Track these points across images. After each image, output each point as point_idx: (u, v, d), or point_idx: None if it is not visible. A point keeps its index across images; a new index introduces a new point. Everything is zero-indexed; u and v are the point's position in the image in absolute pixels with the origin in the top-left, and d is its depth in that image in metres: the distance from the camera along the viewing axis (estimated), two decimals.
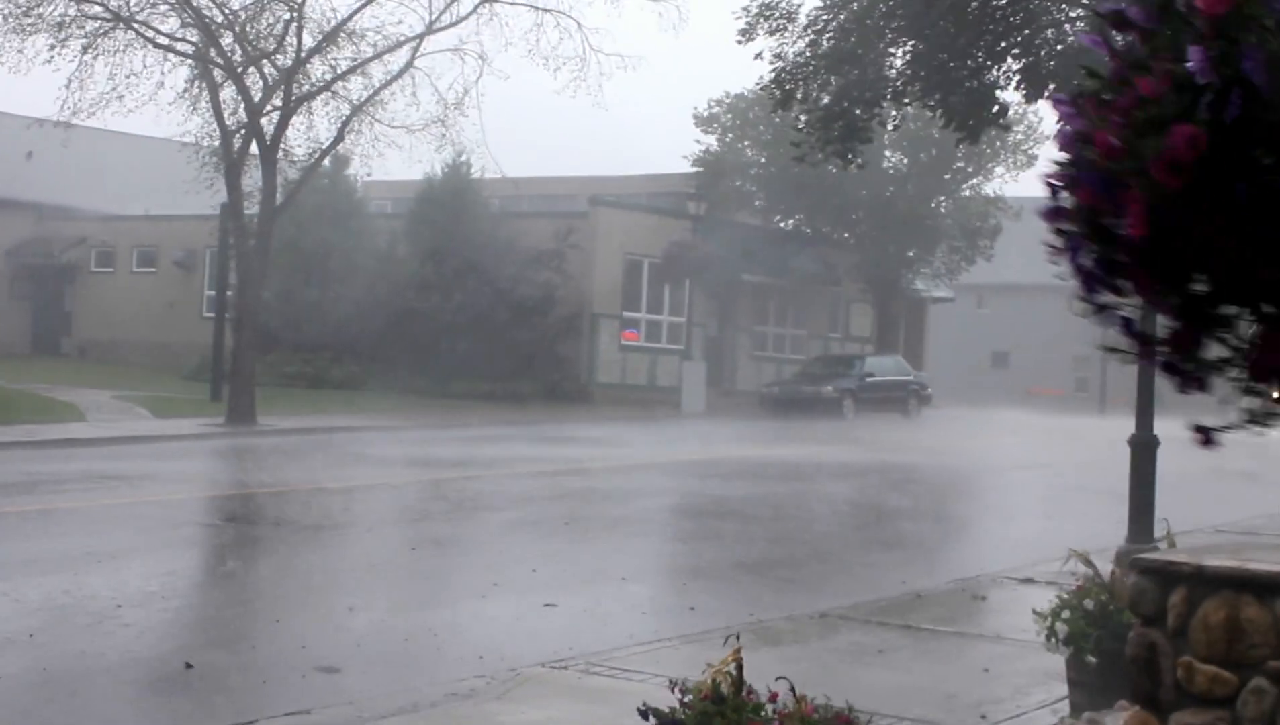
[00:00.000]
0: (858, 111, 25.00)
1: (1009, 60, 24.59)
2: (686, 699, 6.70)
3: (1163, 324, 3.25)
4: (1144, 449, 14.55)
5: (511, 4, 39.45)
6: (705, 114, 59.04)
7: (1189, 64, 2.88)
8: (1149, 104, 2.96)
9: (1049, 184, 3.33)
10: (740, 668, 6.70)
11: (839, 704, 6.83)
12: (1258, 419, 3.27)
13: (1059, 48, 23.86)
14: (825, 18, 25.22)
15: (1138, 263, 3.10)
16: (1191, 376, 3.30)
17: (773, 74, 25.80)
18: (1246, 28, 2.83)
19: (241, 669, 11.11)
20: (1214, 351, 3.27)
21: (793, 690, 6.72)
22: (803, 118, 25.99)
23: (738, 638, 7.17)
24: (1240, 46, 2.83)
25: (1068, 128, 3.24)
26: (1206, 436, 3.37)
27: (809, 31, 25.54)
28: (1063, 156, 3.27)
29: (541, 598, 13.69)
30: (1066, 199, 3.25)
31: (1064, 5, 24.17)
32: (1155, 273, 3.11)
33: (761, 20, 26.35)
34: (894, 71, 25.14)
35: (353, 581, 15.09)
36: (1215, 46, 2.85)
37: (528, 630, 12.30)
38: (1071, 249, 3.23)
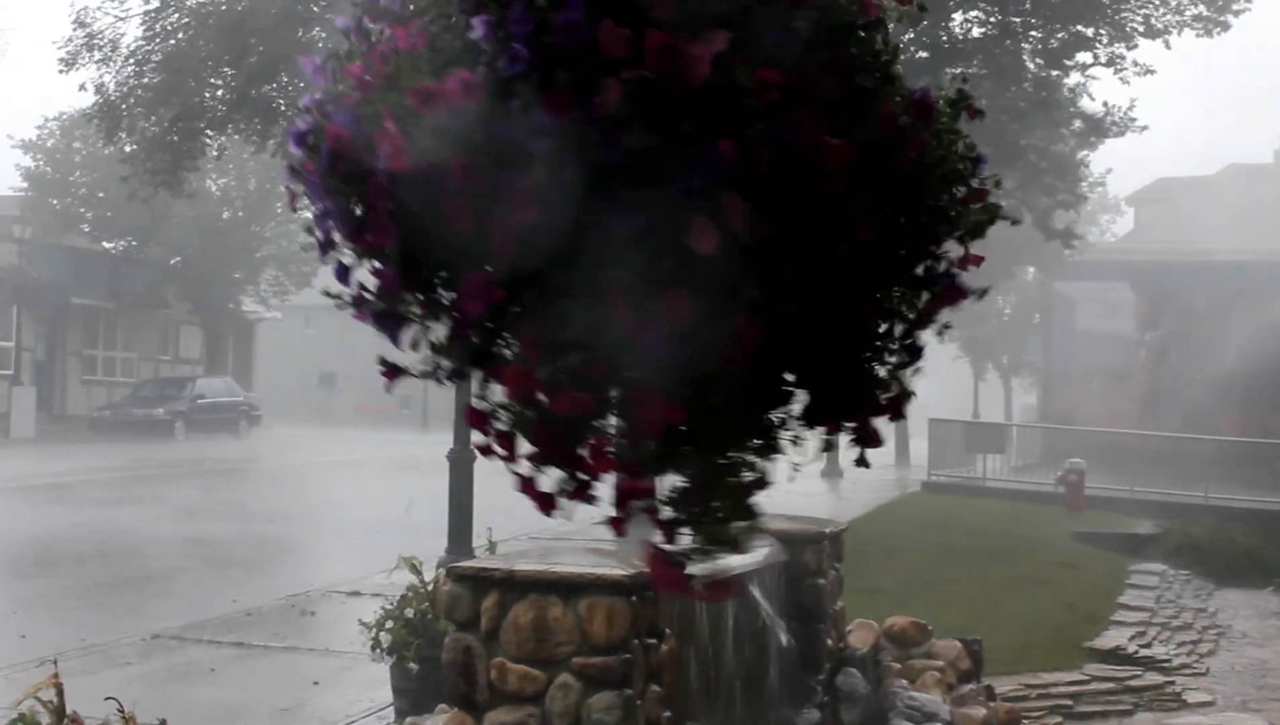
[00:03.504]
0: (182, 141, 24.92)
1: None
2: None
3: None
4: (461, 462, 15.19)
5: None
6: (32, 139, 57.23)
7: (474, 32, 3.08)
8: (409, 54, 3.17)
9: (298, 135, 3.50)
10: (60, 693, 6.70)
11: (168, 723, 6.96)
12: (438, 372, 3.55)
13: None
14: (148, 49, 24.93)
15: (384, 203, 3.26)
16: (390, 323, 3.56)
17: (97, 105, 25.37)
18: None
19: None
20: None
21: (120, 711, 6.81)
22: (129, 147, 25.68)
23: (55, 663, 7.20)
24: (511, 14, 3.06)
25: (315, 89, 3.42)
26: (391, 373, 3.66)
27: (131, 62, 25.20)
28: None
29: None
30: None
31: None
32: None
33: (85, 51, 25.82)
34: (216, 100, 25.12)
35: None
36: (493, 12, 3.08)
37: None
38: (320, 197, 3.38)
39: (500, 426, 3.38)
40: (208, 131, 25.62)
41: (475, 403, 3.43)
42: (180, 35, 24.61)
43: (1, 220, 52.18)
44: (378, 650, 9.78)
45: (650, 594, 7.36)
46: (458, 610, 7.41)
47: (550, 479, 3.42)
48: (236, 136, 26.71)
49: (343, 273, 3.47)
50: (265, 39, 23.69)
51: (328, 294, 3.56)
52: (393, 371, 3.60)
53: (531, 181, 3.06)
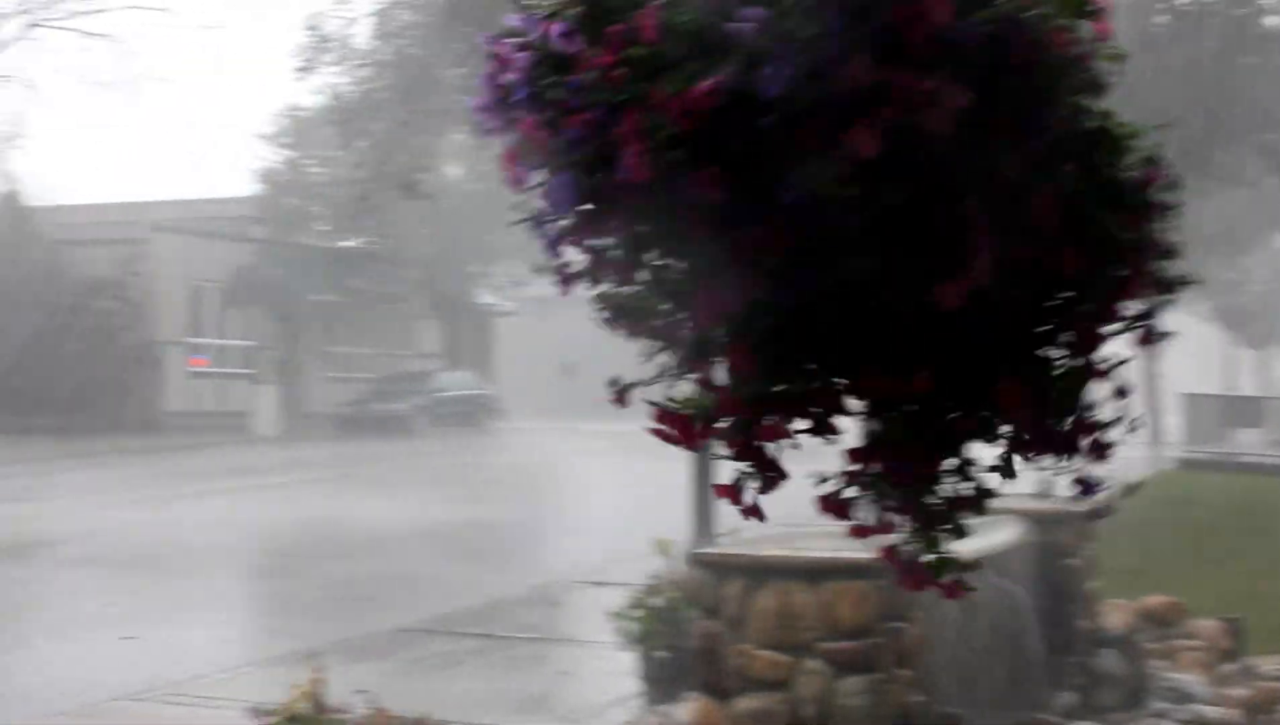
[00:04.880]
0: (417, 142, 25.19)
1: None
2: (266, 722, 6.76)
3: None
4: (703, 449, 15.10)
5: (60, 29, 38.65)
6: (272, 132, 58.55)
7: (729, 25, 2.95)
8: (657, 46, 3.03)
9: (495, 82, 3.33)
10: (321, 685, 6.80)
11: (418, 713, 7.00)
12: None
13: None
14: (380, 48, 25.23)
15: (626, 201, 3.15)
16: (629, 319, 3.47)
17: (334, 110, 25.82)
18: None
19: None
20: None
21: (372, 703, 6.86)
22: (363, 145, 26.12)
23: (319, 657, 7.28)
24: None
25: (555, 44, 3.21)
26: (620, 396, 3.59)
27: (367, 64, 25.54)
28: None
29: (119, 631, 13.48)
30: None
31: None
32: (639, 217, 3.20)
33: (319, 55, 26.27)
34: (452, 99, 25.28)
35: None
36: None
37: (105, 664, 12.08)
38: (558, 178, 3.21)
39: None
40: (443, 131, 25.83)
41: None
42: (409, 33, 24.84)
43: (239, 221, 53.44)
44: (624, 639, 9.74)
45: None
46: (703, 597, 7.36)
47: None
48: (462, 135, 26.83)
49: (553, 246, 3.36)
50: (495, 34, 23.80)
51: (541, 270, 3.47)
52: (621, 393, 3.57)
53: (776, 213, 3.02)
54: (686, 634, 8.23)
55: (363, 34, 26.05)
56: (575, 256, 3.34)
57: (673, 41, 3.01)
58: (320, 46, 26.18)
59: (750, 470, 3.44)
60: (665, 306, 3.34)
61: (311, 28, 26.35)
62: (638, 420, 3.43)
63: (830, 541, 7.69)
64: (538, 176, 3.27)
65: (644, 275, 3.31)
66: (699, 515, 14.97)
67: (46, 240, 48.50)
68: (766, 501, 3.51)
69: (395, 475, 32.28)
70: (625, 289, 3.36)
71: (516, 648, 12.60)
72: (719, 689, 7.27)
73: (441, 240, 55.86)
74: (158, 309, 48.86)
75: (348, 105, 25.58)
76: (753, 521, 3.56)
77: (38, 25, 38.34)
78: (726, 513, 11.76)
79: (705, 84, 2.93)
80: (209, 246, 50.80)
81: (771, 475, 3.44)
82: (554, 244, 3.32)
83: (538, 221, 3.31)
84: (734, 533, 10.39)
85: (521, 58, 3.24)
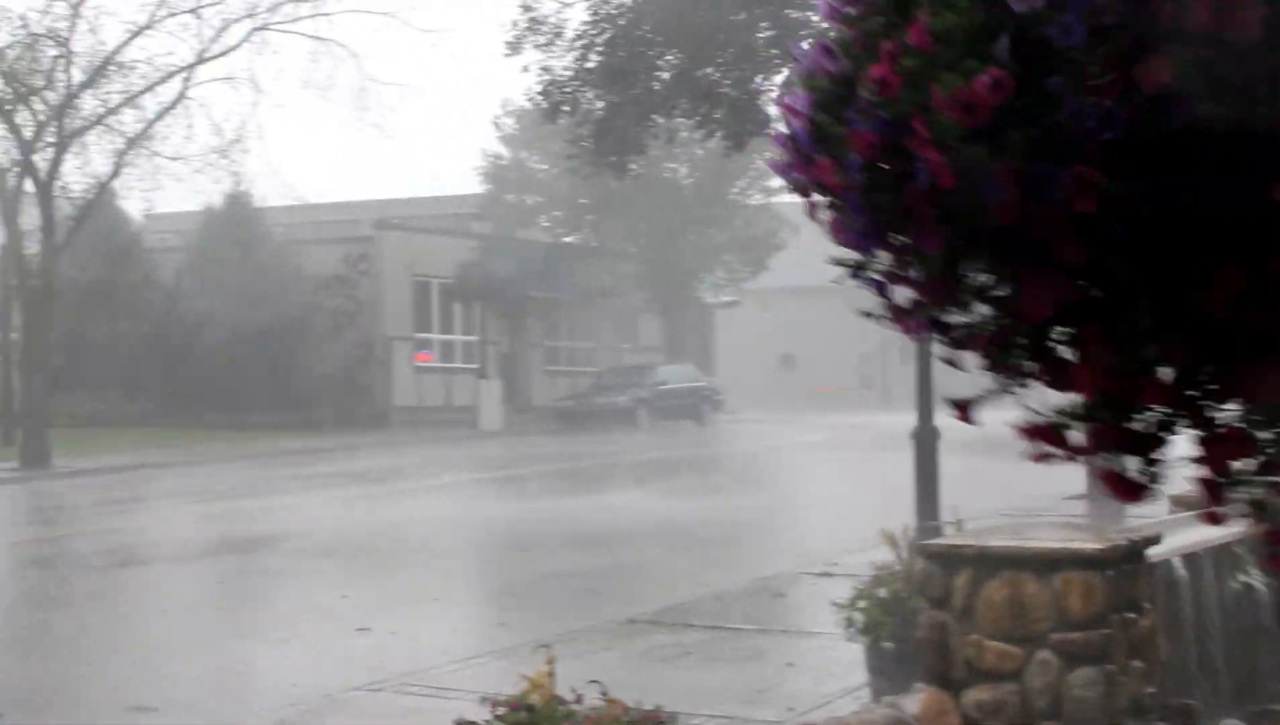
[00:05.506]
0: (629, 125, 25.20)
1: (772, 71, 24.96)
2: (499, 712, 6.87)
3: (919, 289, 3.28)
4: (925, 440, 15.03)
5: (284, 32, 39.48)
6: (496, 132, 59.50)
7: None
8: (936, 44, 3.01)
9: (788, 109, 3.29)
10: (551, 676, 6.88)
11: (649, 705, 7.07)
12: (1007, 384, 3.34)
13: None
14: (593, 33, 25.30)
15: (931, 209, 3.10)
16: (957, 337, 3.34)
17: (541, 88, 25.94)
18: None
19: (56, 716, 11.04)
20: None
21: (603, 693, 6.93)
22: (579, 130, 26.19)
23: (549, 648, 7.38)
24: None
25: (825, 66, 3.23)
26: (963, 412, 3.49)
27: (577, 46, 25.63)
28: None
29: (353, 623, 13.75)
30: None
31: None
32: (945, 223, 3.12)
33: (529, 34, 26.41)
34: (661, 85, 25.27)
35: (162, 620, 15.03)
36: None
37: (341, 655, 12.38)
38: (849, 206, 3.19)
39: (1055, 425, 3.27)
40: (653, 116, 25.81)
41: (1031, 415, 3.31)
42: (625, 19, 24.86)
43: (462, 218, 54.09)
44: (851, 629, 9.74)
45: (1126, 567, 7.15)
46: (930, 588, 7.34)
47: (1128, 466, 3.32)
48: (680, 120, 26.77)
49: (883, 288, 3.30)
50: (709, 20, 23.80)
51: (867, 315, 3.41)
52: (963, 408, 3.44)
53: (1081, 172, 2.93)
54: (914, 625, 8.20)
55: (576, 17, 26.09)
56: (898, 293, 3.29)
57: (945, 45, 2.97)
58: (532, 26, 26.28)
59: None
60: (997, 315, 3.25)
61: (524, 7, 26.47)
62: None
63: (1058, 532, 7.65)
64: (834, 214, 3.24)
65: (966, 291, 3.24)
66: (924, 506, 14.91)
67: (275, 240, 49.66)
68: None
69: (619, 468, 32.49)
70: (952, 312, 3.29)
71: (743, 639, 12.64)
72: (948, 680, 7.24)
73: (663, 234, 56.07)
74: (384, 306, 49.70)
75: (557, 84, 25.62)
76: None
77: (263, 29, 39.10)
78: (947, 502, 11.62)
79: (984, 77, 2.88)
80: (433, 243, 51.51)
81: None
82: (880, 286, 3.28)
83: (857, 269, 3.27)
84: (959, 523, 10.38)
85: (804, 101, 3.23)
